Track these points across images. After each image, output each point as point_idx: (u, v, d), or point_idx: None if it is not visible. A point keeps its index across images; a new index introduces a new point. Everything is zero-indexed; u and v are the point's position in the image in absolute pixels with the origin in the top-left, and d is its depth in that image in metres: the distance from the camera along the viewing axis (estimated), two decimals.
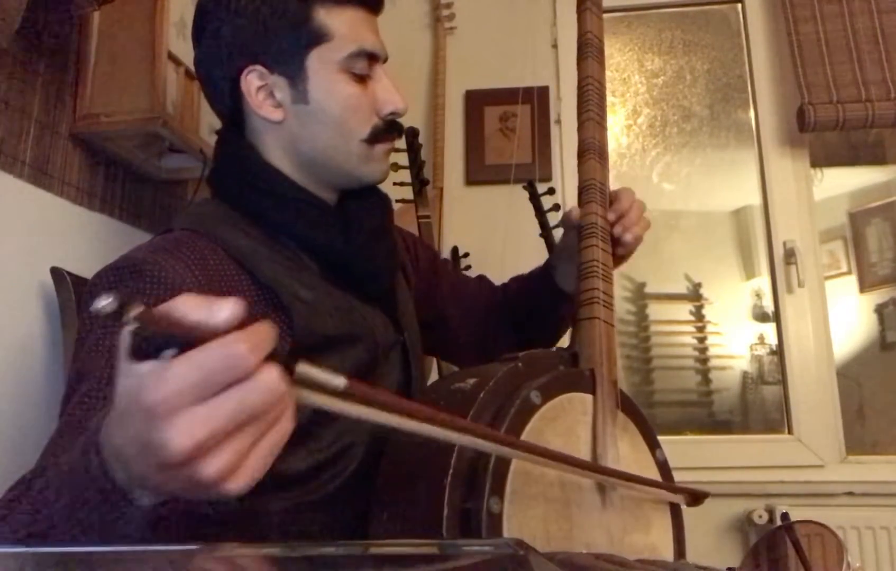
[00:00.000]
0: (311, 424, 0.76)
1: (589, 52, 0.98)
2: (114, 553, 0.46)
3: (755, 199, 2.04)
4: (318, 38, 0.82)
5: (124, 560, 0.45)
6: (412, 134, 1.61)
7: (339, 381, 0.44)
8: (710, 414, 2.10)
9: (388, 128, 0.87)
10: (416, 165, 1.63)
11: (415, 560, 0.48)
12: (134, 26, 1.24)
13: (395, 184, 1.57)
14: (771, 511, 1.71)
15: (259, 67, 0.82)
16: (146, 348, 0.39)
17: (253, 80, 0.83)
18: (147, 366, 0.39)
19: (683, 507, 0.84)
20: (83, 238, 1.24)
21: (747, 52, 2.08)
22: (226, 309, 0.40)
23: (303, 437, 0.75)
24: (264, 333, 0.40)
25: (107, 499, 0.45)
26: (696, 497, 0.83)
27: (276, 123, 0.84)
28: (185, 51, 1.30)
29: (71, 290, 1.10)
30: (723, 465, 1.84)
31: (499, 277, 1.21)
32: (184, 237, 0.78)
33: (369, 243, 0.87)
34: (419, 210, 1.64)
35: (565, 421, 0.73)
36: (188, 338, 0.39)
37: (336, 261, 0.85)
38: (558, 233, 1.62)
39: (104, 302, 0.37)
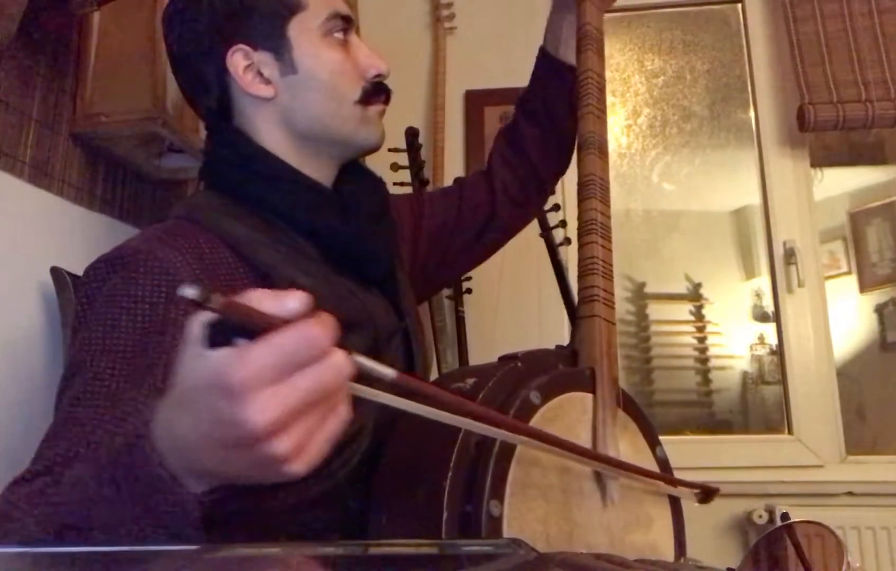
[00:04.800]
0: None
1: (588, 44, 0.96)
2: (115, 554, 0.46)
3: (755, 199, 2.04)
4: (294, 6, 0.83)
5: (126, 560, 0.45)
6: (412, 134, 1.61)
7: (389, 373, 0.46)
8: (710, 413, 2.10)
9: (377, 90, 0.88)
10: (415, 165, 1.63)
11: (414, 561, 0.48)
12: (134, 26, 1.24)
13: (395, 184, 1.57)
14: (771, 511, 1.71)
15: (242, 46, 0.82)
16: (220, 336, 0.41)
17: (239, 60, 0.82)
18: (224, 351, 0.41)
19: (685, 505, 0.84)
20: (83, 238, 1.24)
21: (747, 52, 2.08)
22: (294, 300, 0.42)
23: None
24: (330, 321, 0.42)
25: (158, 487, 0.46)
26: (707, 494, 0.83)
27: (268, 100, 0.83)
28: None
29: (71, 290, 1.10)
30: (723, 465, 1.83)
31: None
32: (179, 225, 0.77)
33: (368, 225, 0.87)
34: None
35: (565, 421, 0.73)
36: (260, 327, 0.41)
37: (335, 244, 0.84)
38: (559, 234, 1.62)
39: (189, 292, 0.38)
